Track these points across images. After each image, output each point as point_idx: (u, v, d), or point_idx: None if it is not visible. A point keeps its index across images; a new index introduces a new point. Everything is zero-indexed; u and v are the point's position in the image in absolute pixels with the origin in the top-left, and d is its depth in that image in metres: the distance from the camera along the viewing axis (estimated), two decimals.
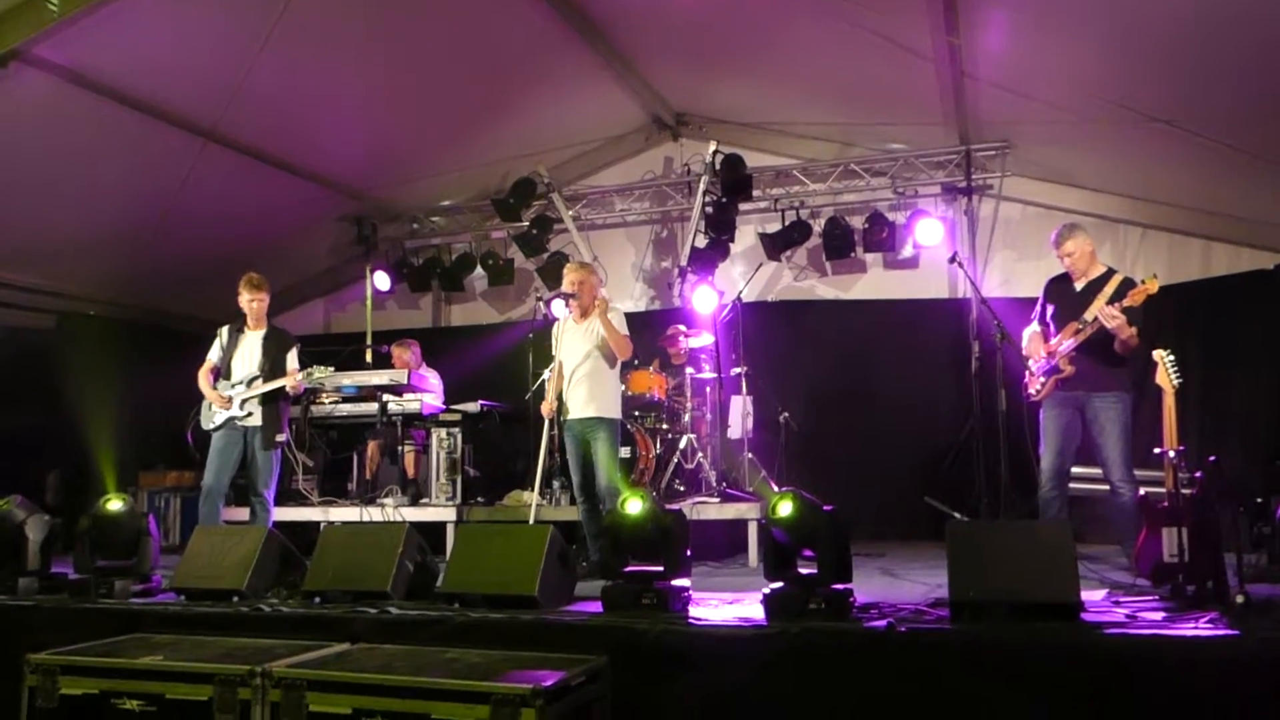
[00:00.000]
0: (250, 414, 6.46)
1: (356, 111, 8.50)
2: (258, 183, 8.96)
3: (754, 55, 8.24)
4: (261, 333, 6.65)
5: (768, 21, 7.59)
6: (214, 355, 6.67)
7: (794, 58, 8.14)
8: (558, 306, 6.38)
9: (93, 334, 9.84)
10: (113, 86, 7.22)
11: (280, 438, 6.50)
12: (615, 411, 6.30)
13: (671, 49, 8.51)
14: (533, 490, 7.51)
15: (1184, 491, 4.64)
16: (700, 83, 9.26)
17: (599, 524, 6.00)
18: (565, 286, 6.31)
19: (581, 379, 6.22)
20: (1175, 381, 4.78)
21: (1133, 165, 8.24)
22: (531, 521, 6.58)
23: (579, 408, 6.20)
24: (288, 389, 6.49)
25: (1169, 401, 4.78)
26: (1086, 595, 4.20)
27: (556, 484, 7.62)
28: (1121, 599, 4.54)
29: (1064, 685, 3.60)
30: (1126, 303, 5.35)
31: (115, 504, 5.56)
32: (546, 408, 6.36)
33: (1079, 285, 5.77)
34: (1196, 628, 3.75)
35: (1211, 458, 4.67)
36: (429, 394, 8.45)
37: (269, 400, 6.49)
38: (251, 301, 6.63)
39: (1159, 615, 4.05)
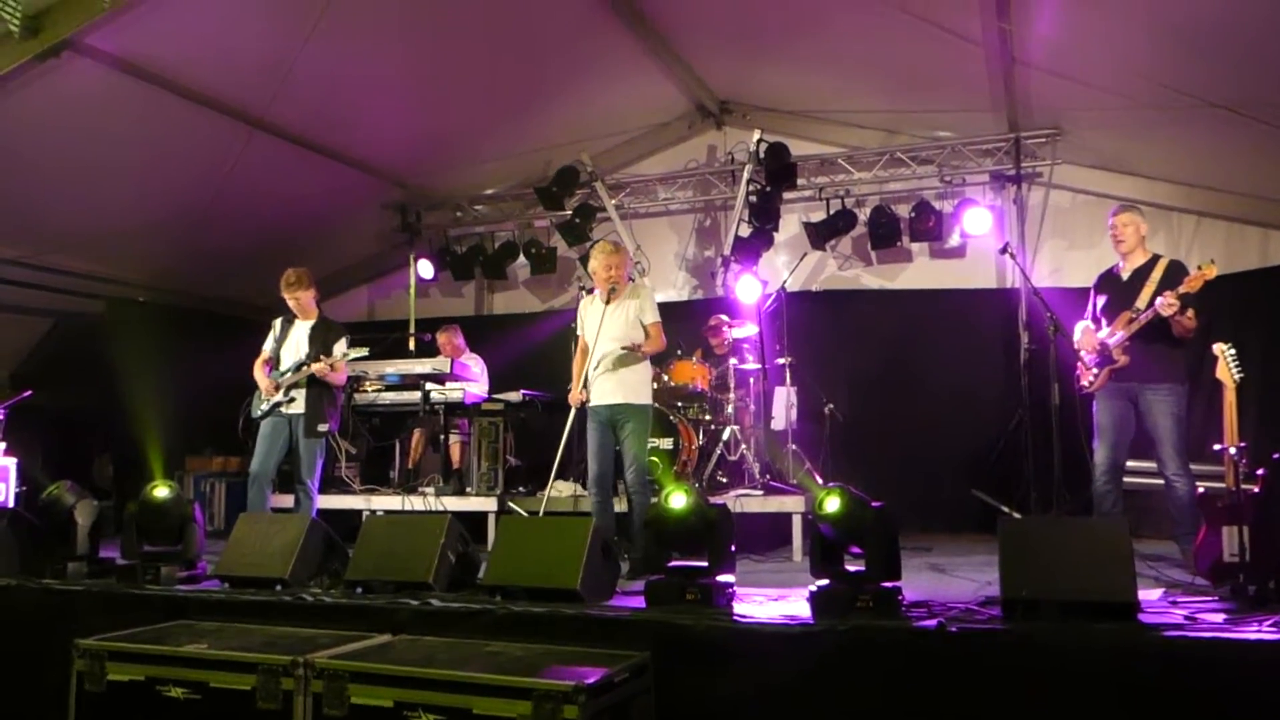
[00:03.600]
0: (294, 400, 6.50)
1: (401, 99, 8.50)
2: (303, 170, 9.00)
3: (799, 42, 8.12)
4: (310, 323, 6.69)
5: (813, 7, 7.49)
6: (268, 346, 6.73)
7: (840, 44, 8.02)
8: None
9: (142, 319, 9.95)
10: (163, 75, 7.27)
11: (322, 427, 6.49)
12: (647, 397, 6.00)
13: (716, 36, 8.42)
14: (556, 481, 7.51)
15: (1245, 489, 4.51)
16: (745, 70, 9.16)
17: (611, 518, 5.89)
18: (601, 271, 5.97)
19: (611, 363, 5.88)
20: (1236, 376, 4.66)
21: (1188, 151, 8.04)
22: (541, 513, 6.36)
23: (607, 394, 5.86)
24: (317, 374, 6.44)
25: (1230, 397, 4.67)
26: (1143, 594, 4.09)
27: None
28: (1179, 599, 4.42)
29: (1121, 688, 3.50)
30: (1183, 289, 5.24)
31: (162, 490, 5.58)
32: (575, 397, 5.99)
33: (1125, 275, 5.72)
34: (1260, 630, 3.62)
35: (1276, 455, 4.54)
36: (472, 383, 8.45)
37: (314, 389, 6.51)
38: (288, 300, 6.67)
39: (1219, 617, 3.93)
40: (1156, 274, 5.50)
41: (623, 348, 5.86)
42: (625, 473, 5.90)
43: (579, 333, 6.16)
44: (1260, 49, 6.20)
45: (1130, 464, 5.78)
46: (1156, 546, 5.98)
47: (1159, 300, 5.28)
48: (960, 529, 8.09)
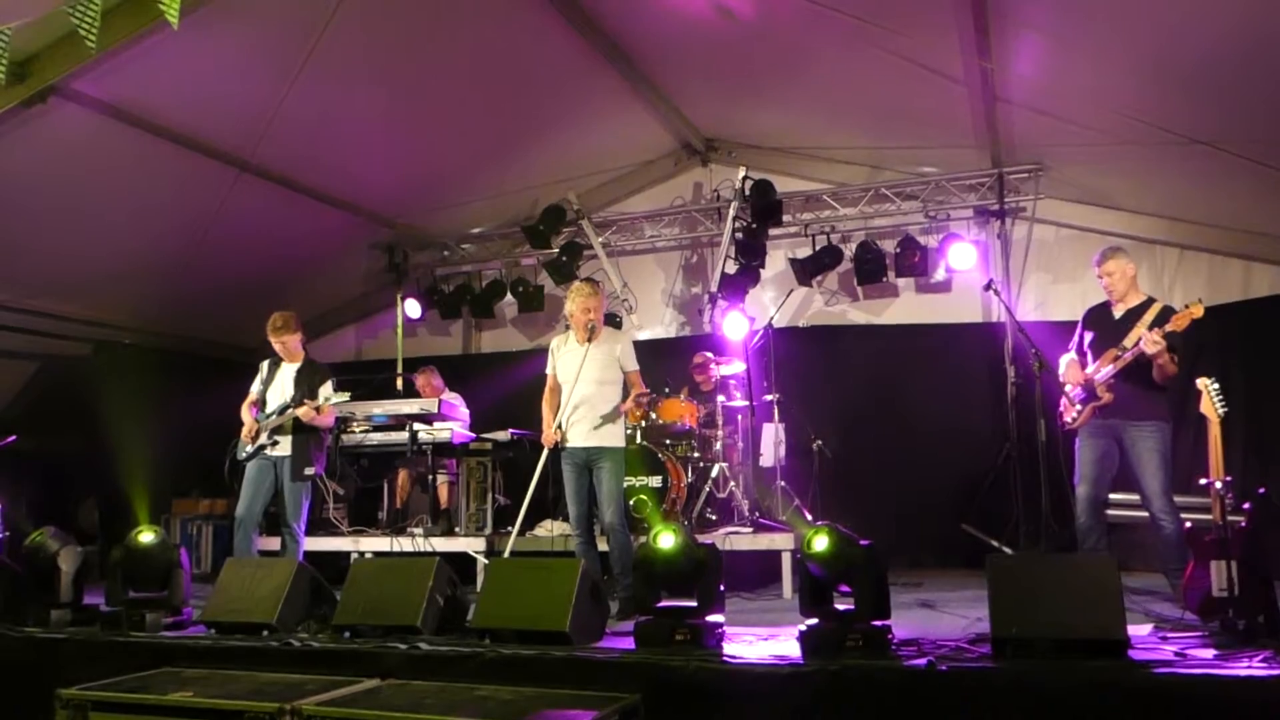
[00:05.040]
0: (279, 443, 6.47)
1: (388, 140, 8.54)
2: (290, 211, 9.01)
3: (784, 80, 8.21)
4: (296, 365, 6.68)
5: (798, 47, 7.55)
6: (255, 389, 6.72)
7: (824, 82, 8.10)
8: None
9: (128, 362, 9.89)
10: (149, 119, 7.30)
11: (308, 471, 6.47)
12: (621, 440, 5.99)
13: (701, 75, 8.49)
14: (545, 521, 7.53)
15: (1232, 522, 4.52)
16: (730, 108, 9.24)
17: (596, 559, 5.90)
18: (579, 314, 5.90)
19: (586, 405, 5.88)
20: (1220, 411, 4.67)
21: (1170, 186, 8.12)
22: (507, 554, 6.39)
23: (582, 436, 5.86)
24: (304, 419, 6.42)
25: (1214, 431, 4.66)
26: (1132, 630, 4.08)
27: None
28: (1169, 635, 4.42)
29: None
30: (1169, 327, 5.25)
31: (147, 536, 5.55)
32: (549, 437, 5.95)
33: (1118, 313, 5.69)
34: (1250, 666, 3.63)
35: (1261, 489, 4.55)
36: (459, 423, 8.42)
37: (300, 433, 6.48)
38: (274, 343, 6.67)
39: (1209, 653, 3.93)
40: (1148, 316, 5.50)
41: (607, 413, 5.86)
42: (603, 513, 5.89)
43: (549, 371, 6.14)
44: (1237, 85, 6.27)
45: (1118, 497, 5.79)
46: (1145, 579, 5.99)
47: (1144, 337, 5.29)
48: (950, 564, 8.10)
